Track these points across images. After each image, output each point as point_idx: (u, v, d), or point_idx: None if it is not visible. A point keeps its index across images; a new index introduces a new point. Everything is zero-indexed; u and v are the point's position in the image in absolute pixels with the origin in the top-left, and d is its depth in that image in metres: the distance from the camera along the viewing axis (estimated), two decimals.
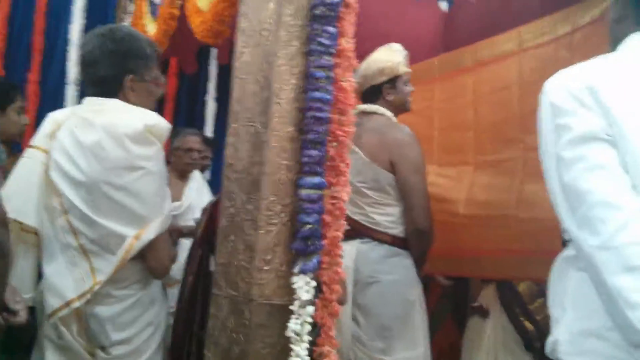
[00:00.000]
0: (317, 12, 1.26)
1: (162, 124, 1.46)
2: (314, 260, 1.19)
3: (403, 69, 2.30)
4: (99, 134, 1.37)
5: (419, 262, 2.18)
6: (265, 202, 1.22)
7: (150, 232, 1.40)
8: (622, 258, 0.80)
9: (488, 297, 2.58)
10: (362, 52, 3.23)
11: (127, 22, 2.83)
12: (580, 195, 0.86)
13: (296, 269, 1.19)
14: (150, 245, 1.41)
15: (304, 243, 1.19)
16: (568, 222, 0.88)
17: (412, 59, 2.82)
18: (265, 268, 1.21)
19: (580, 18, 2.21)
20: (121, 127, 1.37)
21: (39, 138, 1.48)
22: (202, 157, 3.20)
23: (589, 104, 0.88)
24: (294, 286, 1.18)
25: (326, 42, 1.25)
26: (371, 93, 2.29)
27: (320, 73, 1.25)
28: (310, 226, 1.19)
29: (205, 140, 3.24)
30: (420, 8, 3.44)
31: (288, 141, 1.25)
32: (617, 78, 0.90)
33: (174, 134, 2.99)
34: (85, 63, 1.50)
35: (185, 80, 3.43)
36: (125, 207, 1.37)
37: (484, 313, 2.58)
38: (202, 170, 3.28)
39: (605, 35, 1.12)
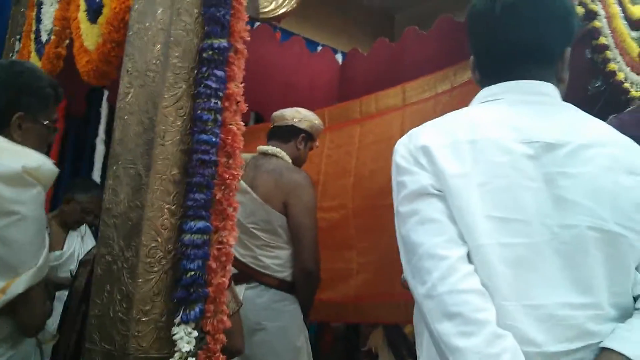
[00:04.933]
0: (206, 55, 1.25)
1: (46, 166, 1.33)
2: (197, 309, 1.13)
3: (318, 136, 2.40)
4: None
5: (305, 306, 2.17)
6: (145, 248, 1.15)
7: (19, 285, 1.25)
8: (442, 305, 0.86)
9: (376, 339, 2.61)
10: (263, 99, 3.31)
11: None
12: (412, 247, 0.93)
13: (177, 319, 1.12)
14: (22, 300, 1.26)
15: (186, 291, 1.13)
16: (406, 272, 0.95)
17: (311, 107, 2.91)
18: (144, 319, 1.12)
19: (459, 77, 2.42)
20: None
21: None
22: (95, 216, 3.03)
23: (422, 163, 0.96)
24: (174, 337, 1.11)
25: (214, 85, 1.24)
26: (284, 132, 2.31)
27: (207, 115, 1.23)
28: (193, 273, 1.14)
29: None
30: (318, 60, 3.62)
31: (172, 184, 1.20)
32: (449, 136, 0.97)
33: (77, 184, 2.81)
34: None
35: (74, 122, 3.25)
36: None
37: (373, 356, 2.60)
38: None
39: None
